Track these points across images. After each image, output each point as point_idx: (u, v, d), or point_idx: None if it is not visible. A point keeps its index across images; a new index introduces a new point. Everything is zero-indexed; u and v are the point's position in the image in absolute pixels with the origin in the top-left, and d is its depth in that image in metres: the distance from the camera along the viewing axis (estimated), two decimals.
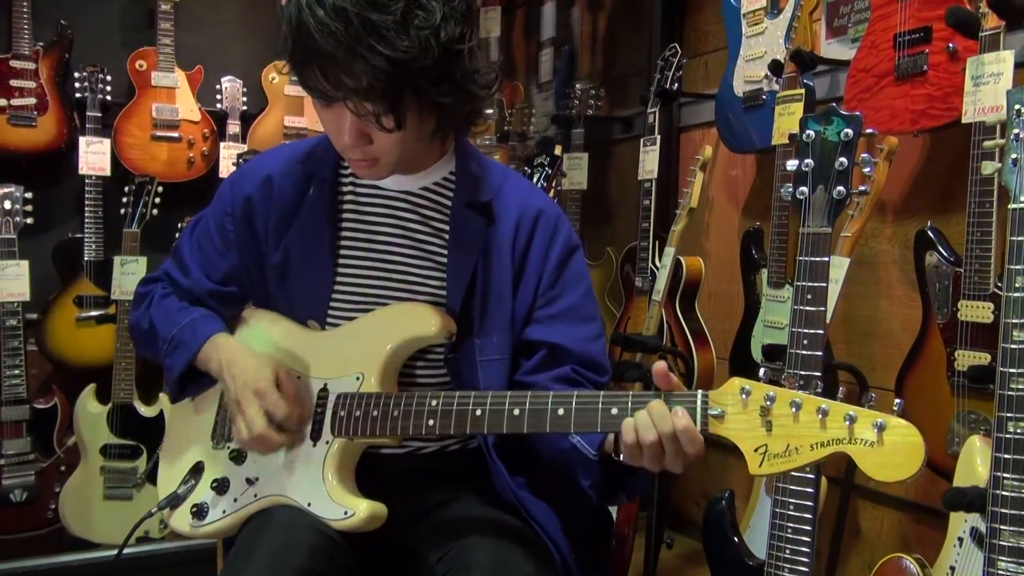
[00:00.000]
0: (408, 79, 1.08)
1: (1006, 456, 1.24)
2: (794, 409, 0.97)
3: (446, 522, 1.27)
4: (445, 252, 1.31)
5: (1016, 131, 1.26)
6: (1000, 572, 1.23)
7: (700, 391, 1.03)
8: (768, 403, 0.98)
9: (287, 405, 1.21)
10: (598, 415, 1.08)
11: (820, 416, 0.95)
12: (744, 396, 1.00)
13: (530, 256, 1.31)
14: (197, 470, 1.34)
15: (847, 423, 0.93)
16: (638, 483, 1.20)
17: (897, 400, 0.95)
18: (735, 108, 2.45)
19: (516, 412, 1.11)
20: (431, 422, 1.16)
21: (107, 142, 2.83)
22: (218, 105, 3.06)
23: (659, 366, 1.06)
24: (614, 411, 1.07)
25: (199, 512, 1.29)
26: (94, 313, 2.79)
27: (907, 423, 0.92)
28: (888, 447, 0.91)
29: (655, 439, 1.03)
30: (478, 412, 1.14)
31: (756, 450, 0.98)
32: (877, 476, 0.91)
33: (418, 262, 1.31)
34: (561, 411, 1.09)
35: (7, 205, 2.50)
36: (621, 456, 1.10)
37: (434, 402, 1.17)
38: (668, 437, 1.02)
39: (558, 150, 2.58)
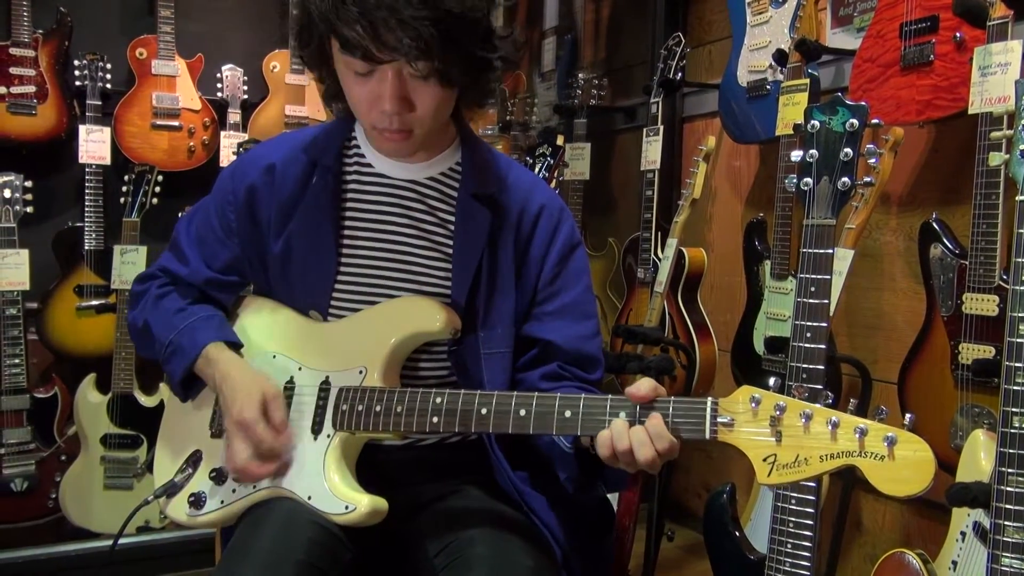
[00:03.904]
0: (458, 33, 1.10)
1: (1011, 451, 1.23)
2: (804, 420, 0.96)
3: (446, 515, 1.26)
4: (450, 243, 1.30)
5: None
6: (1004, 568, 1.22)
7: (710, 398, 1.02)
8: (778, 413, 0.97)
9: (272, 437, 1.19)
10: (605, 419, 1.07)
11: (830, 428, 0.94)
12: (754, 405, 0.99)
13: (531, 250, 1.30)
14: (195, 459, 1.33)
15: (857, 436, 0.93)
16: (618, 477, 1.18)
17: (908, 415, 0.94)
18: (739, 98, 2.44)
19: (522, 413, 1.10)
20: (435, 420, 1.15)
21: (107, 131, 2.82)
22: (219, 94, 3.04)
23: (632, 391, 1.05)
24: (621, 415, 1.06)
25: (196, 501, 1.28)
26: (94, 302, 2.78)
27: (918, 438, 0.91)
28: (898, 461, 0.91)
29: (627, 447, 1.03)
30: (483, 411, 1.13)
31: (765, 459, 0.97)
32: (886, 490, 0.91)
33: (424, 252, 1.30)
34: (568, 414, 1.08)
35: (7, 194, 2.50)
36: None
37: (439, 399, 1.16)
38: (639, 442, 1.02)
39: (560, 140, 2.57)
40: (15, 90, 2.72)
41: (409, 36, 1.07)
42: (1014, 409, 1.24)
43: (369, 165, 1.32)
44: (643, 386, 1.04)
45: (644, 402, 1.04)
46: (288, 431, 1.22)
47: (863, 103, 1.18)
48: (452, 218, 1.31)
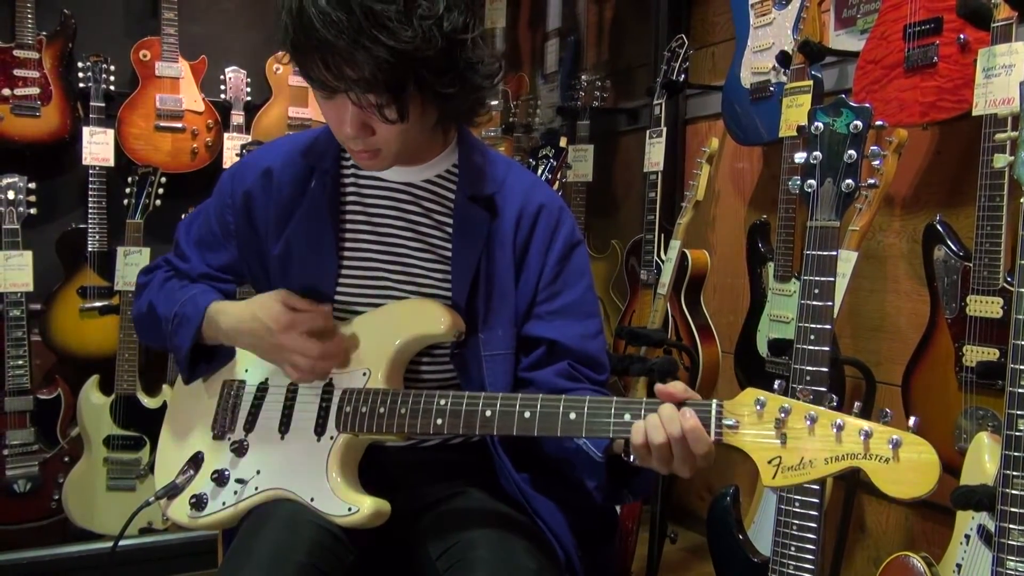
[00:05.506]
0: (411, 70, 1.07)
1: (1015, 454, 1.23)
2: (809, 422, 0.96)
3: (449, 517, 1.26)
4: (448, 245, 1.30)
5: None
6: (1009, 572, 1.22)
7: (715, 400, 1.02)
8: (783, 415, 0.97)
9: (321, 317, 1.23)
10: (610, 421, 1.06)
11: (835, 430, 0.94)
12: (759, 407, 0.99)
13: (531, 250, 1.30)
14: (196, 460, 1.33)
15: (862, 438, 0.93)
16: (643, 484, 1.19)
17: (912, 418, 0.94)
18: (742, 100, 2.43)
19: (527, 415, 1.10)
20: (439, 421, 1.15)
21: (111, 132, 2.82)
22: (222, 95, 3.04)
23: (660, 389, 1.05)
24: (626, 417, 1.06)
25: (198, 503, 1.28)
26: (97, 304, 2.79)
27: (923, 440, 0.91)
28: (903, 464, 0.91)
29: (664, 440, 1.02)
30: (488, 413, 1.13)
31: (770, 462, 0.97)
32: (891, 492, 0.91)
33: (422, 255, 1.30)
34: (573, 415, 1.08)
35: (11, 195, 2.50)
36: (631, 457, 1.09)
37: (443, 401, 1.16)
38: (676, 439, 1.01)
39: (563, 142, 2.56)
40: (19, 92, 2.72)
41: (353, 71, 1.06)
42: (1019, 412, 1.23)
43: None
44: (676, 386, 1.05)
45: (676, 400, 1.04)
46: (329, 307, 1.26)
47: (867, 105, 1.18)
48: (449, 220, 1.31)
